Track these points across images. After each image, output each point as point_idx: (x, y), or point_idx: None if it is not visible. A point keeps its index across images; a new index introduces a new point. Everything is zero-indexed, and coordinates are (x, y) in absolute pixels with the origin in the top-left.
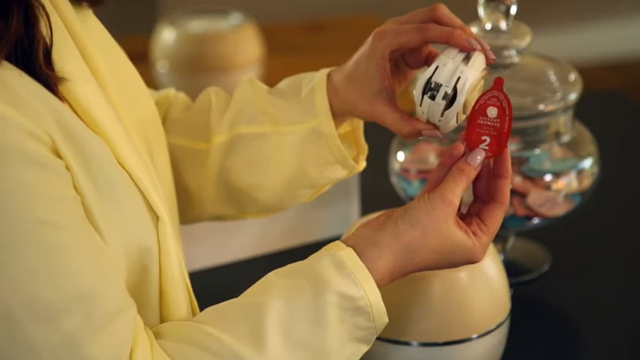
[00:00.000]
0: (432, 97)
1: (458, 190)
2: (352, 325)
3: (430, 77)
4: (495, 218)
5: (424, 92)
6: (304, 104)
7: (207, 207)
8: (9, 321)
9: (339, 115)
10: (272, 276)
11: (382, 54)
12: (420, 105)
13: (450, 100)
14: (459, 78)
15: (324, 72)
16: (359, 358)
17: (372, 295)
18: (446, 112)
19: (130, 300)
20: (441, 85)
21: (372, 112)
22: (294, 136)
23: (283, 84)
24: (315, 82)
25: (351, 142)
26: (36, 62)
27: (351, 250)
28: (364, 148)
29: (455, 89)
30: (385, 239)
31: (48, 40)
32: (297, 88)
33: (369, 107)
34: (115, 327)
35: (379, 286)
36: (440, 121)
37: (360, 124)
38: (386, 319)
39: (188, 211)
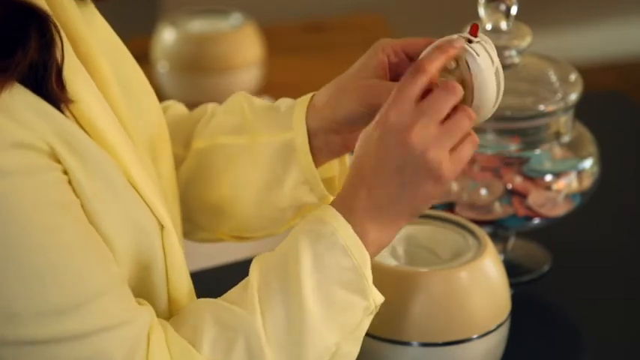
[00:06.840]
0: None
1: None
2: (335, 266)
3: None
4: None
5: None
6: (282, 117)
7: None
8: (17, 325)
9: (319, 133)
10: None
11: (383, 49)
12: None
13: None
14: None
15: (312, 93)
16: (356, 316)
17: (342, 229)
18: None
19: (142, 299)
20: None
21: (361, 97)
22: (268, 149)
23: (278, 101)
24: (300, 99)
25: (333, 188)
26: (48, 84)
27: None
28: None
29: None
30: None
31: (59, 60)
32: (284, 103)
33: (356, 97)
34: (129, 324)
35: (355, 219)
36: None
37: (345, 171)
38: (367, 255)
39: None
